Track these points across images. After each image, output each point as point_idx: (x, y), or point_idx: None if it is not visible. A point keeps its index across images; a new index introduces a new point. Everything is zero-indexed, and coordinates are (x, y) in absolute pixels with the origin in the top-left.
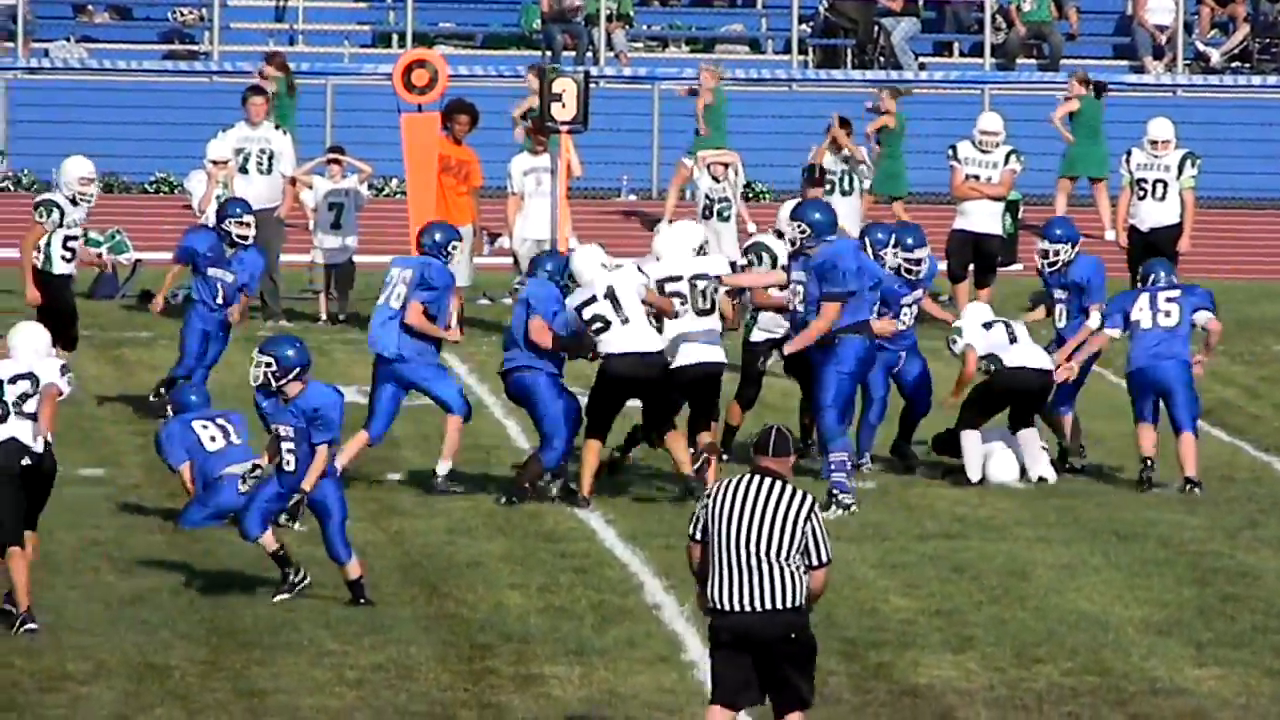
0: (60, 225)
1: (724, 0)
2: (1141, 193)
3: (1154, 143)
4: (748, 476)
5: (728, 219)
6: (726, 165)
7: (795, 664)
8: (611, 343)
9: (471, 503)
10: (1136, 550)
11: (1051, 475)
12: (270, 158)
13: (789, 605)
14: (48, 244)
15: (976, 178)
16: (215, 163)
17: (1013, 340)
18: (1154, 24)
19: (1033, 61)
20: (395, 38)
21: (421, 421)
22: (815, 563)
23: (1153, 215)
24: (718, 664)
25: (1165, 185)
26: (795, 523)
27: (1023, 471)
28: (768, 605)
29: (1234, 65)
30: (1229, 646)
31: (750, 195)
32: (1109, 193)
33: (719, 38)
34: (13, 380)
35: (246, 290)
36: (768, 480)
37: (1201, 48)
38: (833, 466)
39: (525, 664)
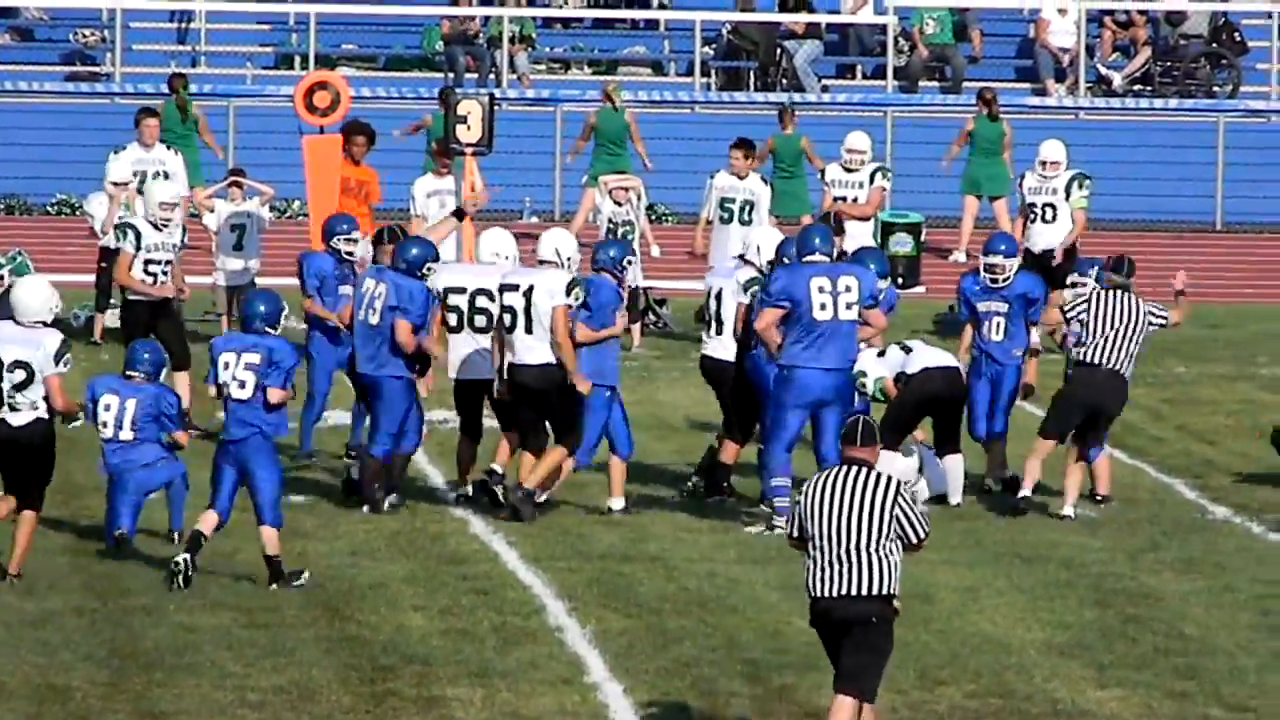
0: (139, 249)
1: (626, 22)
2: (1033, 216)
3: (1044, 163)
4: (838, 467)
5: (631, 242)
6: (628, 189)
7: (863, 652)
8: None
9: (374, 525)
10: (1039, 573)
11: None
12: (167, 179)
13: (877, 592)
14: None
15: (844, 199)
16: (116, 184)
17: (908, 352)
18: (1056, 47)
19: (935, 84)
20: (297, 59)
21: (327, 443)
22: (914, 540)
23: (1043, 238)
24: (828, 650)
25: (1054, 208)
26: (884, 508)
27: (942, 498)
28: (855, 590)
29: (1135, 88)
30: (1131, 668)
31: (653, 217)
32: (1009, 213)
33: (621, 60)
34: (11, 369)
35: None
36: (855, 469)
37: (1103, 71)
38: (776, 487)
39: (427, 686)
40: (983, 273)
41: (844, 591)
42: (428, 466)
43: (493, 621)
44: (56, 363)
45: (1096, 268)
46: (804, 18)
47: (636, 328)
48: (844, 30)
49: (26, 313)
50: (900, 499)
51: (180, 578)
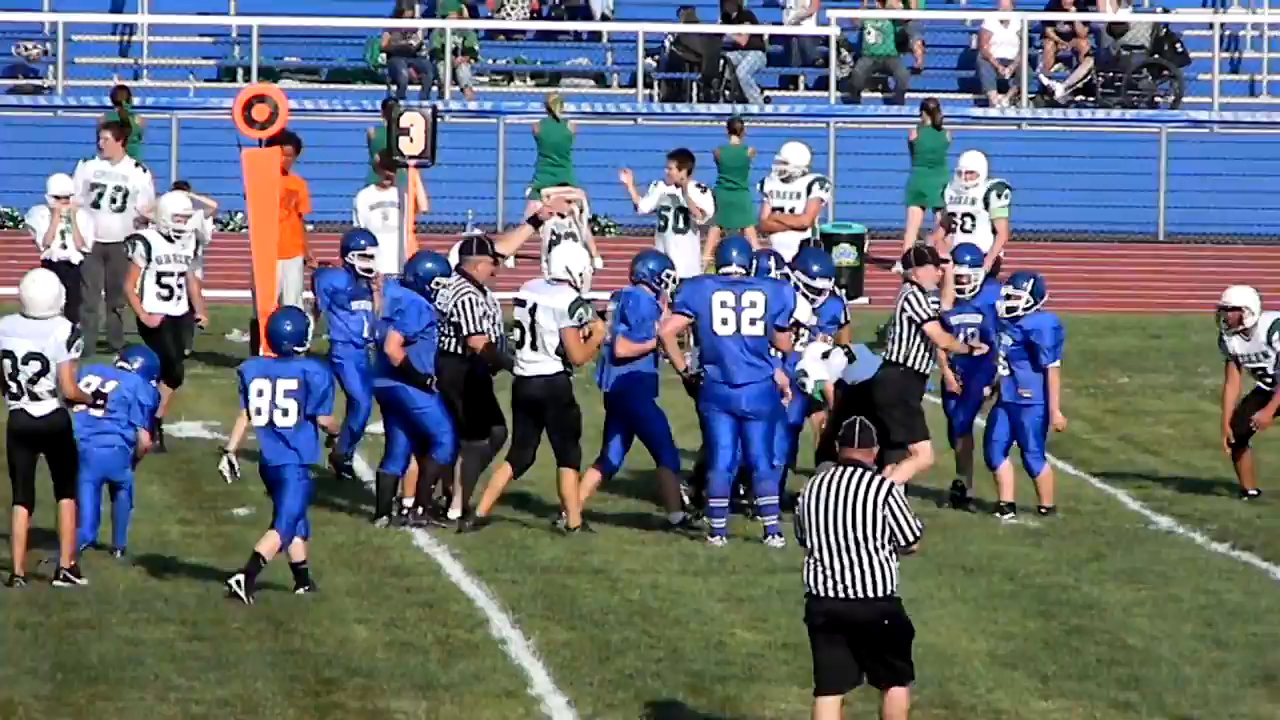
0: (149, 261)
1: (569, 34)
2: (953, 225)
3: (962, 173)
4: (835, 469)
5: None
6: (571, 201)
7: (892, 648)
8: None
9: (318, 538)
10: (983, 583)
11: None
12: (125, 195)
13: (879, 594)
14: (141, 280)
15: (782, 209)
16: (58, 198)
17: (852, 359)
18: (998, 58)
19: (878, 95)
20: (240, 72)
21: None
22: (903, 542)
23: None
24: (817, 651)
25: (973, 218)
26: (875, 508)
27: None
28: (857, 593)
29: (1078, 99)
30: (1074, 679)
31: (596, 229)
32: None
33: (564, 71)
34: (25, 360)
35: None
36: (851, 470)
37: (1045, 81)
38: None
39: (371, 699)
40: (952, 286)
41: (848, 594)
42: (369, 478)
43: (437, 634)
44: (68, 349)
45: (1031, 280)
46: (747, 29)
47: None
48: (787, 41)
49: (36, 307)
50: (891, 500)
51: (242, 592)
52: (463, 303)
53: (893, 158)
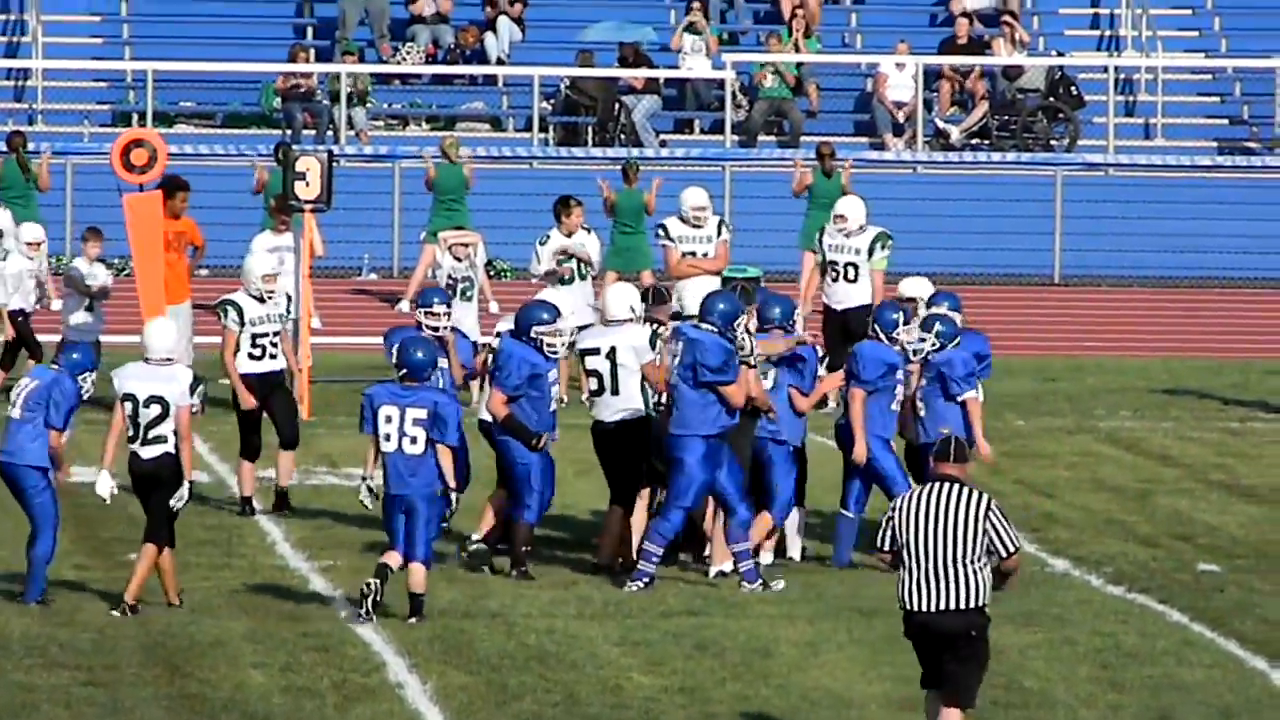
0: (243, 325)
1: (464, 78)
2: (834, 274)
3: (839, 217)
4: (932, 484)
5: (470, 298)
6: (467, 245)
7: (966, 663)
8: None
9: (214, 582)
10: (880, 626)
11: (798, 555)
12: None
13: (971, 605)
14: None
15: (694, 254)
16: None
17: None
18: (893, 101)
19: (773, 139)
20: (135, 117)
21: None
22: (1005, 554)
23: (848, 296)
24: (919, 654)
25: (856, 268)
26: (976, 523)
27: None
28: (951, 604)
29: (973, 142)
30: None
31: (492, 273)
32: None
33: (459, 115)
34: (146, 403)
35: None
36: (948, 486)
37: (941, 125)
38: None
39: None
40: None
41: (941, 606)
42: (267, 524)
43: (333, 679)
44: (191, 394)
45: (936, 322)
46: (643, 73)
47: (476, 384)
48: (682, 85)
49: (157, 350)
50: (992, 514)
51: (369, 601)
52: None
53: (788, 200)
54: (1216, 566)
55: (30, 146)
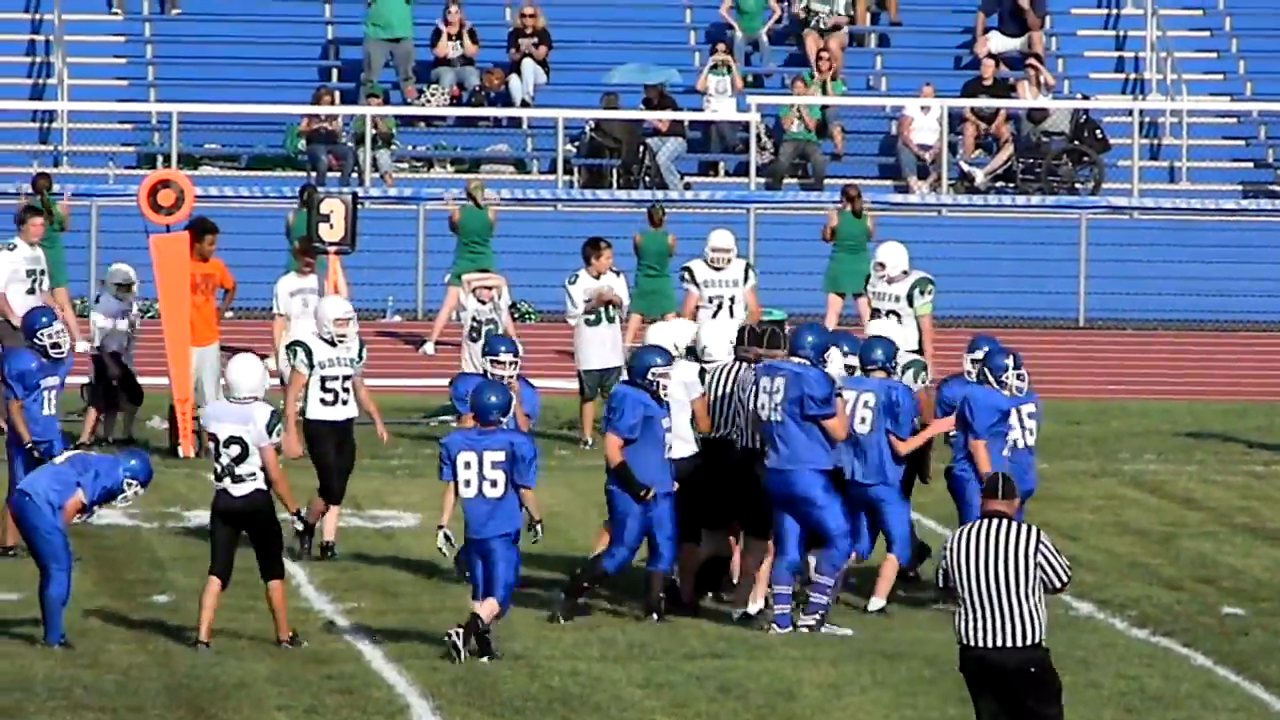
0: (312, 368)
1: (489, 120)
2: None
3: (879, 265)
4: (981, 521)
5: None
6: (491, 288)
7: (1038, 694)
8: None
9: (238, 624)
10: (903, 669)
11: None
12: (44, 276)
13: (1029, 641)
14: (305, 387)
15: (719, 298)
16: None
17: None
18: (919, 144)
19: (796, 181)
20: (160, 159)
21: (187, 543)
22: (1057, 585)
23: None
24: (973, 691)
25: (898, 315)
26: (1029, 557)
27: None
28: (1009, 641)
29: (998, 185)
30: None
31: (517, 315)
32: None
33: (484, 158)
34: (227, 444)
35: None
36: (998, 522)
37: (966, 168)
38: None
39: None
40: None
41: (999, 642)
42: (292, 566)
43: None
44: (269, 434)
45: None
46: (667, 115)
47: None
48: (706, 127)
49: (240, 389)
50: (1043, 547)
51: (456, 651)
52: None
53: (813, 244)
54: (1241, 610)
55: (55, 189)
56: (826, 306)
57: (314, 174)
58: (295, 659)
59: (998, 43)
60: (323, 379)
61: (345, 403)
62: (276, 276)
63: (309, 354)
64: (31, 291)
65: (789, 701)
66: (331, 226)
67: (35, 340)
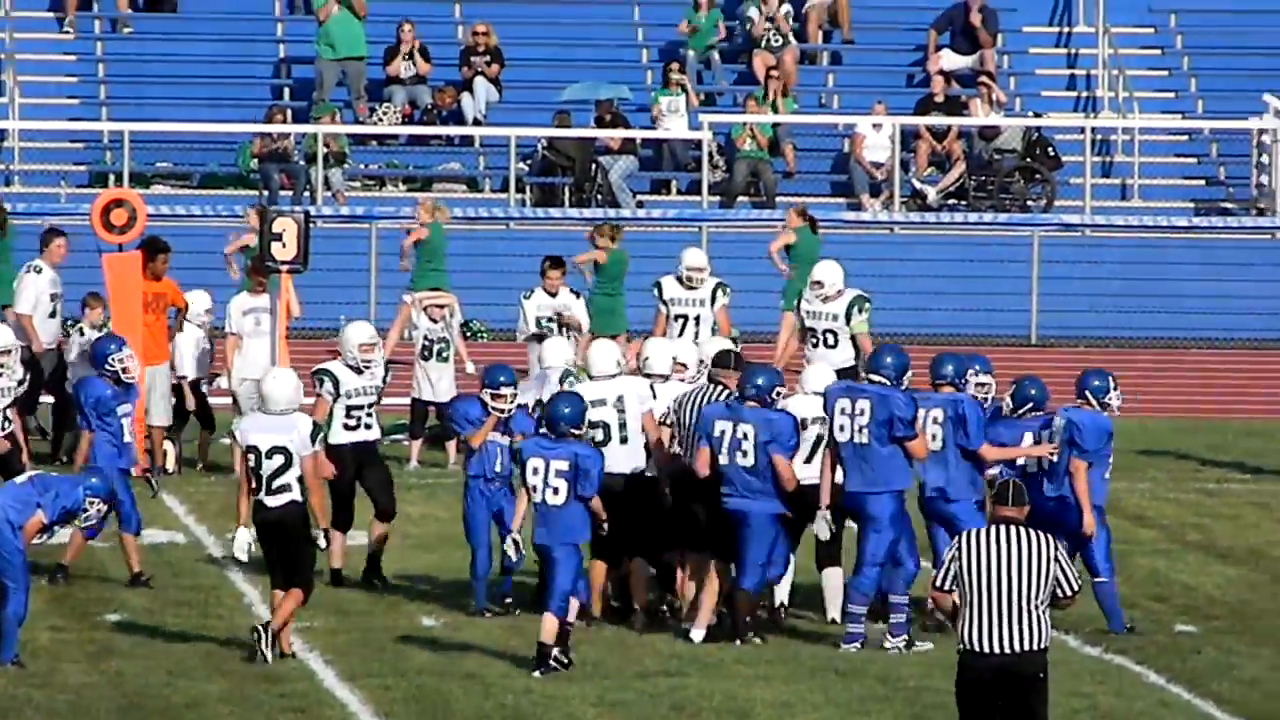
0: (337, 396)
1: (441, 138)
2: (814, 340)
3: (815, 283)
4: (993, 527)
5: (446, 359)
6: (443, 306)
7: (1042, 700)
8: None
9: (190, 644)
10: (855, 687)
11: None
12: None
13: (1039, 647)
14: (329, 415)
15: (686, 317)
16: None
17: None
18: (871, 161)
19: (748, 199)
20: (112, 177)
21: (143, 563)
22: (1068, 593)
23: (829, 361)
24: (963, 702)
25: (835, 334)
26: (1044, 565)
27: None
28: (1023, 647)
29: (950, 202)
30: None
31: (469, 334)
32: None
33: (436, 176)
34: (269, 454)
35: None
36: (1009, 528)
37: (918, 185)
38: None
39: None
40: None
41: (1018, 649)
42: (243, 584)
43: None
44: (312, 442)
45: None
46: (619, 133)
47: (418, 444)
48: (659, 146)
49: (277, 402)
50: (1059, 556)
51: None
52: None
53: (766, 261)
54: (1193, 627)
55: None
56: (782, 324)
57: (266, 193)
58: (248, 678)
59: (950, 60)
60: (348, 407)
61: (369, 427)
62: (229, 296)
63: (336, 384)
64: (53, 315)
65: (742, 719)
66: (284, 245)
67: (106, 367)
